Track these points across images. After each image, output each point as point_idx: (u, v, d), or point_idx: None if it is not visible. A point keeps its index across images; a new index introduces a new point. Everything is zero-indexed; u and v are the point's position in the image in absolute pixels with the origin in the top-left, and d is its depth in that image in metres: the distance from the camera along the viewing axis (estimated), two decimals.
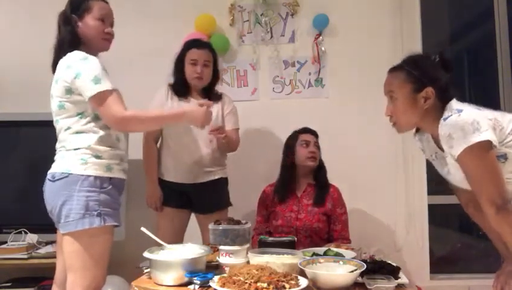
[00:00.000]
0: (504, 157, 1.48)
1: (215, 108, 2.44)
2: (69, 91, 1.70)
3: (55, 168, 1.72)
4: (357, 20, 3.02)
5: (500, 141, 1.46)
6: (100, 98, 1.66)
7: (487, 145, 1.44)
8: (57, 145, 1.80)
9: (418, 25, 3.03)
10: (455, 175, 1.58)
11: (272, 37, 3.05)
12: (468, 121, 1.44)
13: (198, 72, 2.38)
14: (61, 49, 1.77)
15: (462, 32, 3.54)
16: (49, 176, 1.72)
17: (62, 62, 1.73)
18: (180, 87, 2.44)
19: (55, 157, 1.78)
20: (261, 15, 3.04)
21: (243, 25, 3.06)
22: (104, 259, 1.70)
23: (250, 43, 3.05)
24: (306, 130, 2.53)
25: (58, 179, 1.68)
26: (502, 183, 1.45)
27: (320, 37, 3.01)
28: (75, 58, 1.70)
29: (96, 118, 1.74)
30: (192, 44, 2.46)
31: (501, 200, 1.43)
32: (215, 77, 2.50)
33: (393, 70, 1.64)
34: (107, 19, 1.83)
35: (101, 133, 1.73)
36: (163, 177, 2.46)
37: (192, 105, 1.93)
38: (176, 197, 2.44)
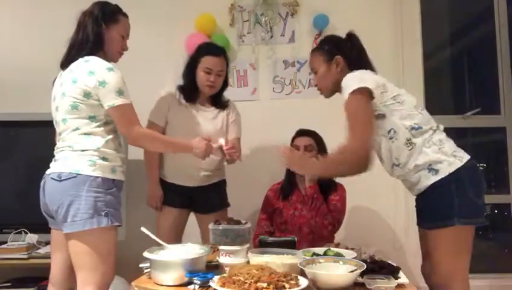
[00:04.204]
0: (383, 116, 1.77)
1: (220, 117, 2.43)
2: (88, 95, 1.74)
3: (61, 168, 1.72)
4: (357, 20, 3.00)
5: (380, 101, 1.76)
6: (121, 110, 1.76)
7: (366, 91, 1.72)
8: (60, 144, 1.80)
9: (418, 25, 3.03)
10: None
11: (271, 37, 3.05)
12: (357, 75, 1.79)
13: (211, 80, 2.32)
14: (80, 48, 1.80)
15: (462, 32, 3.55)
16: (53, 176, 1.73)
17: (83, 66, 1.75)
18: (190, 92, 2.38)
19: (57, 157, 1.79)
20: (261, 15, 3.04)
21: (242, 25, 3.06)
22: (111, 256, 1.75)
23: (250, 43, 3.05)
24: (300, 133, 2.51)
25: (65, 179, 1.69)
26: (371, 131, 1.74)
27: (320, 37, 3.01)
28: (99, 66, 1.75)
29: (106, 123, 1.79)
30: (207, 50, 2.37)
31: (366, 146, 1.71)
32: (225, 83, 2.44)
33: (312, 51, 2.04)
34: (126, 36, 1.95)
35: (108, 137, 1.78)
36: (165, 179, 2.47)
37: (198, 140, 2.00)
38: (177, 198, 2.45)
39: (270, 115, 2.98)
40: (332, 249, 1.87)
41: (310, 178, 2.35)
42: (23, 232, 2.54)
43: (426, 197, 1.76)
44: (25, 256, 2.44)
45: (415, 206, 1.88)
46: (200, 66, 2.33)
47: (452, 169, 1.70)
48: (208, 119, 2.40)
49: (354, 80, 1.76)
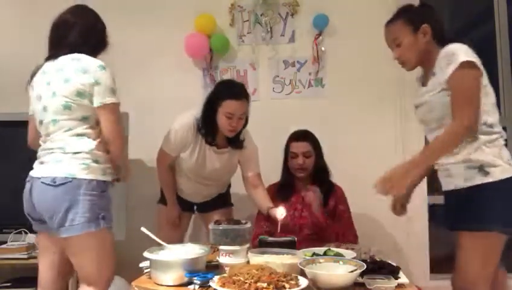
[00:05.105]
0: None
1: (235, 157, 2.38)
2: (82, 95, 1.72)
3: (55, 172, 1.68)
4: (357, 20, 3.02)
5: None
6: (112, 109, 1.74)
7: (480, 73, 1.65)
8: (49, 145, 1.75)
9: None
10: (432, 104, 1.75)
11: (271, 37, 3.04)
12: (465, 47, 1.68)
13: (233, 125, 2.19)
14: (79, 43, 1.78)
15: (462, 32, 3.55)
16: (47, 180, 1.67)
17: (74, 65, 1.73)
18: (208, 134, 2.26)
19: (46, 159, 1.74)
20: (261, 15, 3.04)
21: (242, 25, 3.06)
22: (110, 257, 1.76)
23: (250, 43, 3.05)
24: (297, 137, 2.47)
25: (61, 184, 1.66)
26: (479, 109, 1.66)
27: (320, 37, 3.02)
28: (93, 65, 1.74)
29: (98, 124, 1.77)
30: (229, 94, 2.19)
31: (475, 125, 1.64)
32: (245, 122, 2.30)
33: (389, 22, 1.88)
34: None
35: (99, 138, 1.76)
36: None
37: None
38: (181, 203, 2.48)
39: (270, 115, 2.97)
40: (332, 249, 1.87)
41: (318, 205, 2.33)
42: (23, 232, 2.54)
43: (466, 197, 1.67)
44: (25, 256, 2.44)
45: (445, 203, 1.84)
46: (221, 110, 2.18)
47: (505, 176, 1.64)
48: (222, 160, 2.34)
49: (464, 51, 1.66)
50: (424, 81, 1.87)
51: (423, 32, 1.79)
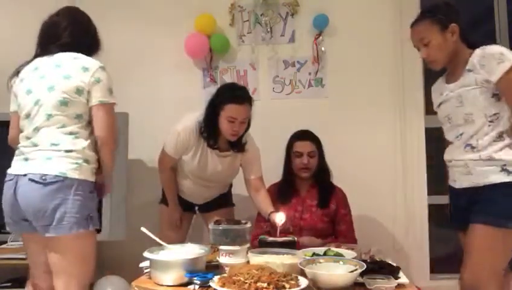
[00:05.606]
0: (498, 98, 1.73)
1: (237, 159, 2.36)
2: (81, 92, 1.71)
3: (44, 170, 1.63)
4: (357, 20, 3.02)
5: None
6: (109, 109, 1.74)
7: None
8: (37, 141, 1.70)
9: None
10: (464, 98, 1.77)
11: (271, 37, 3.04)
12: (506, 49, 1.70)
13: (235, 129, 2.18)
14: (72, 44, 1.78)
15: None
16: (34, 177, 1.62)
17: (74, 63, 1.73)
18: (210, 137, 2.24)
19: (33, 156, 1.68)
20: (261, 15, 3.04)
21: (242, 25, 3.06)
22: (93, 259, 1.74)
23: (250, 43, 3.05)
24: (301, 137, 2.48)
25: (52, 182, 1.61)
26: None
27: (320, 37, 3.01)
28: (94, 65, 1.74)
29: (89, 124, 1.75)
30: (231, 98, 2.17)
31: None
32: (247, 126, 2.28)
33: (416, 22, 1.88)
34: None
35: (90, 138, 1.74)
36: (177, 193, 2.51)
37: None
38: (182, 203, 2.48)
39: (270, 115, 2.97)
40: (332, 249, 1.87)
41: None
42: None
43: (488, 194, 1.70)
44: (25, 256, 2.43)
45: (453, 202, 1.86)
46: (223, 114, 2.17)
47: None
48: (224, 163, 2.33)
49: (508, 51, 1.70)
50: (449, 78, 1.88)
51: (452, 32, 1.80)
